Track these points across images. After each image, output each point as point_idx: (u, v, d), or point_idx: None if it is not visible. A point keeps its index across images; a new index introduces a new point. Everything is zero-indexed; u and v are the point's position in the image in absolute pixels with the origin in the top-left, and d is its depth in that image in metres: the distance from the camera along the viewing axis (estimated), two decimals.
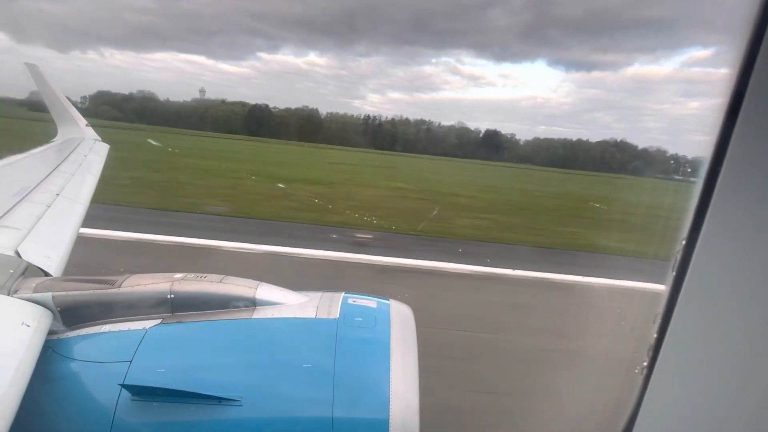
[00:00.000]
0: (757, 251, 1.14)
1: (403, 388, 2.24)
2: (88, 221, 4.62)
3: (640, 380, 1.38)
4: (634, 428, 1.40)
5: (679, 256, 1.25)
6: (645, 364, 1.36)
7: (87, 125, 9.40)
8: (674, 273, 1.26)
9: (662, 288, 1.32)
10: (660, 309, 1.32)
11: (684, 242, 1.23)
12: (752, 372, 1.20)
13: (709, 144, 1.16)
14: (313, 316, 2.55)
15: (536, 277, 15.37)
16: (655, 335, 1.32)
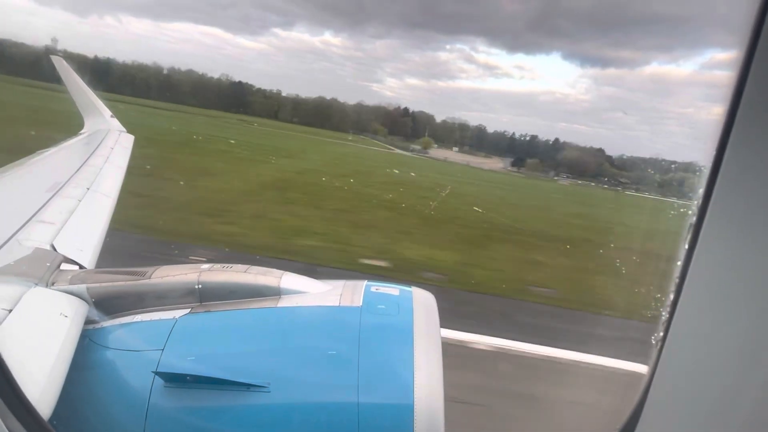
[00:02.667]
0: (756, 252, 1.14)
1: (427, 374, 2.27)
2: None
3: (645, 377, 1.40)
4: (637, 426, 1.42)
5: (681, 258, 1.26)
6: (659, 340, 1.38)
7: (112, 116, 9.60)
8: (677, 275, 1.28)
9: None
10: (664, 311, 1.33)
11: (687, 243, 1.25)
12: (751, 371, 1.20)
13: (711, 148, 1.17)
14: (337, 304, 2.59)
15: None
16: (660, 335, 1.34)
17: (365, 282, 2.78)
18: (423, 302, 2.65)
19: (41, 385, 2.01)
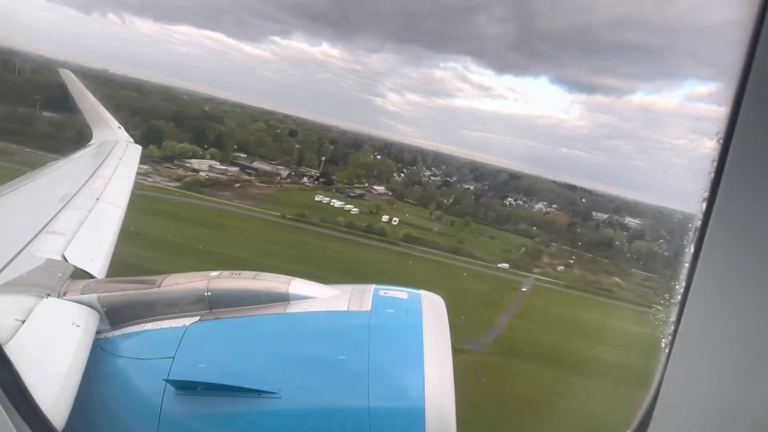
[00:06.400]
0: (761, 254, 1.17)
1: (437, 377, 2.26)
2: None
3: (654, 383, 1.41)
4: (649, 428, 1.42)
5: (687, 264, 1.28)
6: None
7: (120, 127, 9.69)
8: (684, 279, 1.29)
9: None
10: (672, 314, 1.34)
11: (692, 248, 1.26)
12: (760, 372, 1.21)
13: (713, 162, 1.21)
14: (346, 309, 2.59)
15: None
16: (669, 338, 1.35)
17: (373, 286, 2.77)
18: (432, 305, 2.64)
19: (54, 395, 2.03)
